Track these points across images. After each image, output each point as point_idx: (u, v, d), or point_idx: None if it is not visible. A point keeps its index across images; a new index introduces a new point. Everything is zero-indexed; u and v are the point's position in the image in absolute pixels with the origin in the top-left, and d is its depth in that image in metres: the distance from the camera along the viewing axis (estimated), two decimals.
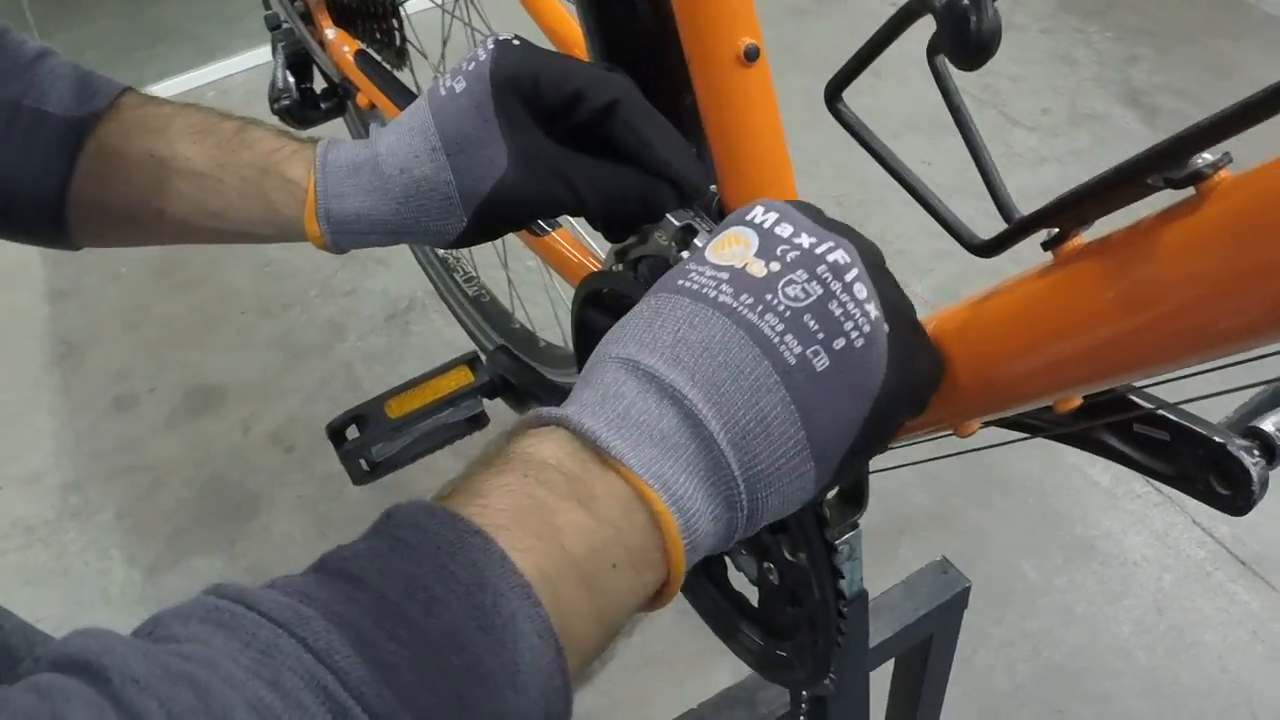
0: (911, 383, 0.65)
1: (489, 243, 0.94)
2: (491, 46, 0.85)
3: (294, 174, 0.90)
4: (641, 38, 0.95)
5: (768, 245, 0.64)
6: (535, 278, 1.41)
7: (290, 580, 0.51)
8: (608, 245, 0.99)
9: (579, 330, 1.04)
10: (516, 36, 0.86)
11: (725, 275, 0.63)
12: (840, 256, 0.63)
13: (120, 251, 2.82)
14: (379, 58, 1.64)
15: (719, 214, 0.92)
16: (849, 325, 0.61)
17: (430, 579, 0.50)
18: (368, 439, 1.21)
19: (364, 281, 2.77)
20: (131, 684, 0.42)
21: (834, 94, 0.71)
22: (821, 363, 0.61)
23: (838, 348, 0.61)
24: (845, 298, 0.62)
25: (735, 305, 0.62)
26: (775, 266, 0.63)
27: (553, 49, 0.96)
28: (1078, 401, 0.71)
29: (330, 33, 1.71)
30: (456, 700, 0.49)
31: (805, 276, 0.62)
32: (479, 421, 1.27)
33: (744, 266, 0.63)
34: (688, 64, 0.86)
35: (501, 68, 0.83)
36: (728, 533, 0.62)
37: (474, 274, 1.95)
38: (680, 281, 0.65)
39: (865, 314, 0.62)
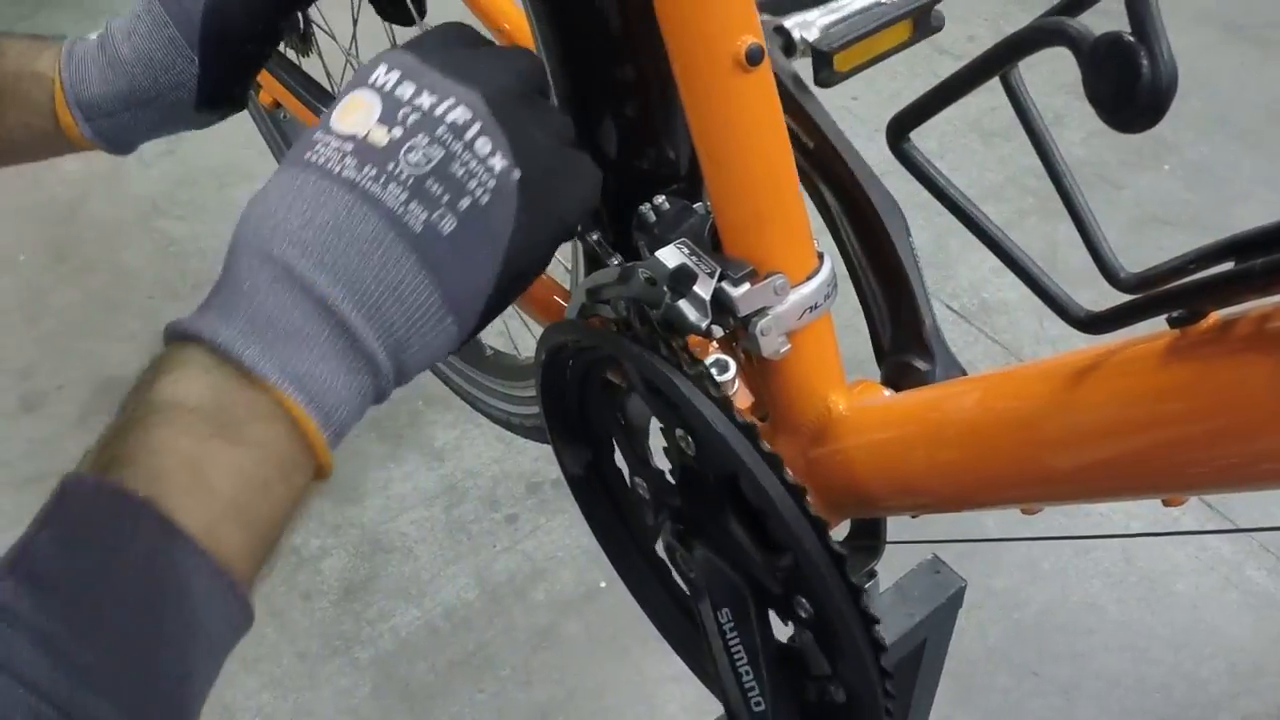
0: (556, 215, 0.68)
1: None
2: None
3: (43, 68, 0.89)
4: (607, 31, 0.83)
5: (389, 109, 0.65)
6: None
7: None
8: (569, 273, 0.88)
9: (547, 389, 0.92)
10: None
11: (349, 146, 0.64)
12: (460, 114, 0.64)
13: (16, 237, 2.69)
14: (282, 46, 1.48)
15: (713, 244, 0.81)
16: (473, 184, 0.64)
17: (110, 565, 0.53)
18: None
19: None
20: None
21: (900, 132, 0.61)
22: (449, 225, 0.63)
23: (463, 208, 0.63)
24: (467, 156, 0.64)
25: (358, 179, 0.63)
26: (397, 133, 0.64)
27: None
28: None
29: None
30: (154, 674, 0.52)
31: (426, 140, 0.64)
32: None
33: (366, 135, 0.64)
34: (673, 67, 0.75)
35: None
36: (376, 396, 0.66)
37: None
38: (307, 155, 0.65)
39: (489, 169, 0.64)
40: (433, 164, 0.63)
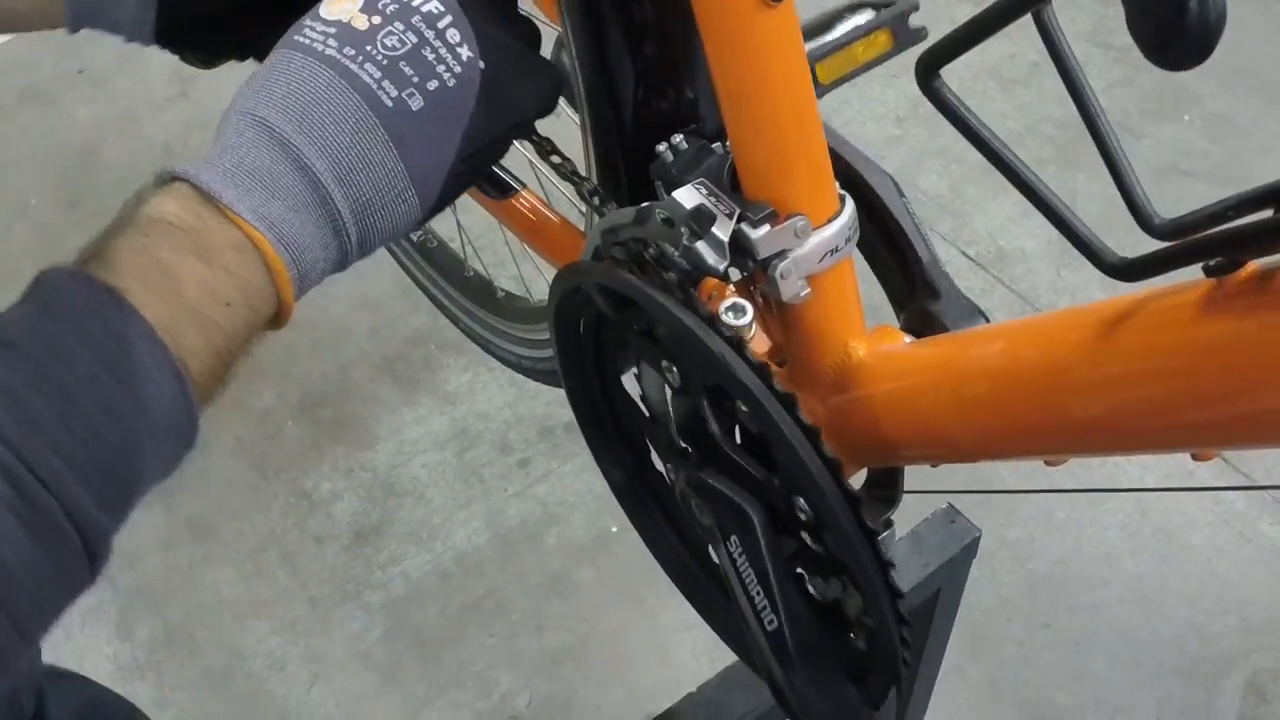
0: (514, 105, 0.76)
1: None
2: None
3: None
4: None
5: (371, 0, 0.72)
6: (486, 219, 1.28)
7: None
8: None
9: (562, 329, 0.90)
10: None
11: (333, 29, 0.71)
12: (434, 6, 0.73)
13: (29, 181, 2.68)
14: None
15: (732, 185, 0.79)
16: (441, 68, 0.72)
17: (69, 336, 0.58)
18: None
19: None
20: None
21: (929, 69, 0.59)
22: (416, 103, 0.70)
23: (431, 89, 0.71)
24: (438, 44, 0.72)
25: (339, 57, 0.70)
26: (376, 20, 0.71)
27: None
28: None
29: None
30: (94, 436, 0.57)
31: (402, 27, 0.71)
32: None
33: (349, 20, 0.72)
34: (692, 3, 0.73)
35: None
36: (340, 258, 0.72)
37: None
38: (296, 37, 0.72)
39: (457, 57, 0.72)
40: (406, 48, 0.71)
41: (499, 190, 0.95)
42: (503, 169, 0.99)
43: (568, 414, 2.03)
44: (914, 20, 0.87)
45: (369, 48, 0.71)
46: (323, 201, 0.69)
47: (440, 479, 2.06)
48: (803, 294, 0.77)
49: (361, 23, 0.71)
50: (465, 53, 0.73)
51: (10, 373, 0.56)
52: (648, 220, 0.77)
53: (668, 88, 0.87)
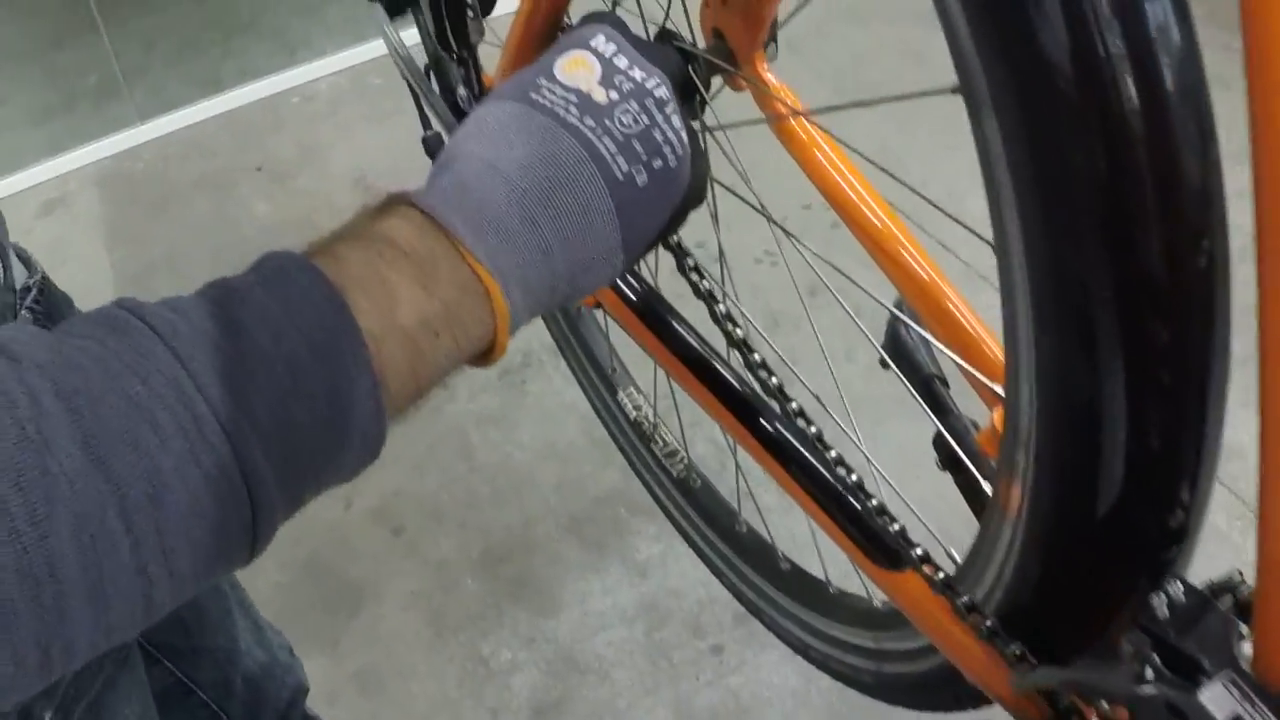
0: (702, 184, 0.81)
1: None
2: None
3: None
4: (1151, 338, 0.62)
5: (609, 75, 0.77)
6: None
7: (180, 300, 0.59)
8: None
9: None
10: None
11: (574, 97, 0.76)
12: (663, 93, 0.78)
13: (200, 270, 2.60)
14: None
15: (1240, 612, 0.66)
16: (666, 149, 0.76)
17: (281, 314, 0.59)
18: None
19: None
20: (35, 368, 0.52)
21: None
22: (642, 179, 0.75)
23: (656, 167, 0.76)
24: (665, 126, 0.77)
25: (581, 127, 0.74)
26: (614, 95, 0.76)
27: None
28: None
29: None
30: (283, 409, 0.57)
31: (637, 108, 0.76)
32: None
33: (589, 92, 0.76)
34: (1261, 286, 0.53)
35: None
36: (549, 306, 0.75)
37: (679, 448, 1.49)
38: (534, 96, 0.76)
39: (680, 140, 0.77)
40: (640, 128, 0.75)
41: (890, 562, 0.83)
42: (892, 538, 0.87)
43: None
44: None
45: (607, 122, 0.75)
46: (546, 259, 0.71)
47: (626, 658, 1.95)
48: None
49: (601, 96, 0.76)
50: (684, 137, 0.78)
51: (219, 333, 0.57)
52: (1149, 702, 0.65)
53: (1164, 505, 0.69)
